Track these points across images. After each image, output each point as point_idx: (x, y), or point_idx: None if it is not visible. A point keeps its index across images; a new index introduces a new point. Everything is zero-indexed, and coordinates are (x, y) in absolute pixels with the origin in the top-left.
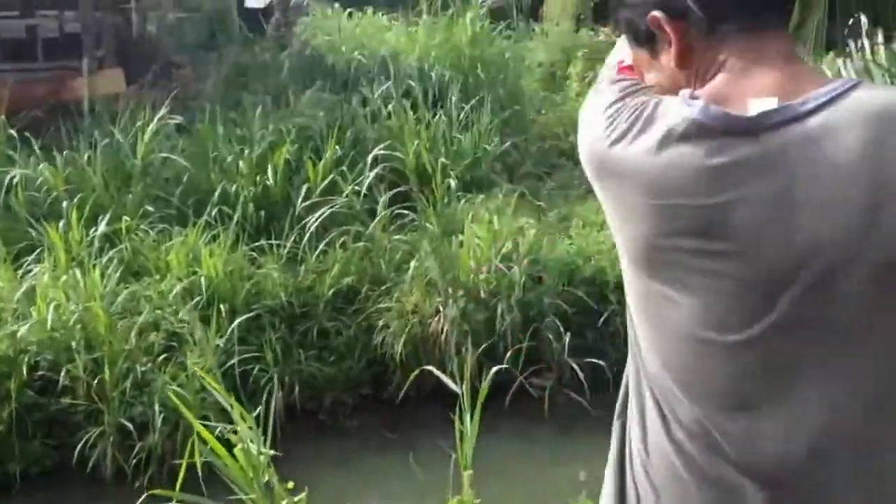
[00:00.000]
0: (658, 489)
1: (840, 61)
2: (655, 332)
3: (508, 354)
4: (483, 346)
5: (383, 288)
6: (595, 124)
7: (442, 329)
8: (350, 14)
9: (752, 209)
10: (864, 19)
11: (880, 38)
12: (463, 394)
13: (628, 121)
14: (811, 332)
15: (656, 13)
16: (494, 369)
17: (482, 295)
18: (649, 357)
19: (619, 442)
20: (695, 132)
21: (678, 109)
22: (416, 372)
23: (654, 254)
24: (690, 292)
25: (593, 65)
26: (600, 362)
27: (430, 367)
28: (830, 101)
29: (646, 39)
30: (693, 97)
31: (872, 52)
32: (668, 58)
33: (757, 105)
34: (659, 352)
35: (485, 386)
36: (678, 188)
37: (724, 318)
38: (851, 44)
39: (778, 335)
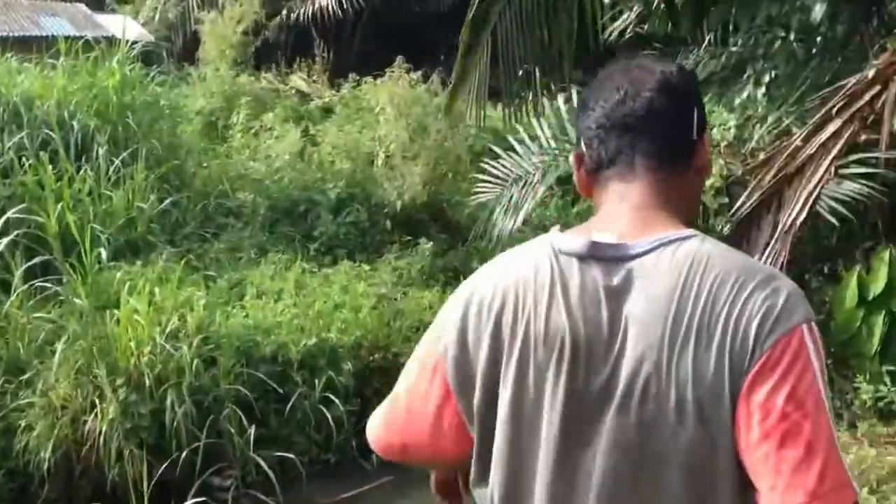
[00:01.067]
0: None
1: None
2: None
3: (184, 454)
4: (153, 447)
5: (23, 378)
6: None
7: (100, 429)
8: None
9: (585, 329)
10: (536, 71)
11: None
12: None
13: None
14: (625, 451)
15: (575, 150)
16: None
17: (147, 382)
18: None
19: None
20: (555, 254)
21: (547, 238)
22: None
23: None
24: (544, 401)
25: (258, 113)
26: (289, 455)
27: None
28: (654, 249)
29: None
30: (560, 231)
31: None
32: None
33: (597, 237)
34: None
35: None
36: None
37: (561, 428)
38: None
39: (601, 451)
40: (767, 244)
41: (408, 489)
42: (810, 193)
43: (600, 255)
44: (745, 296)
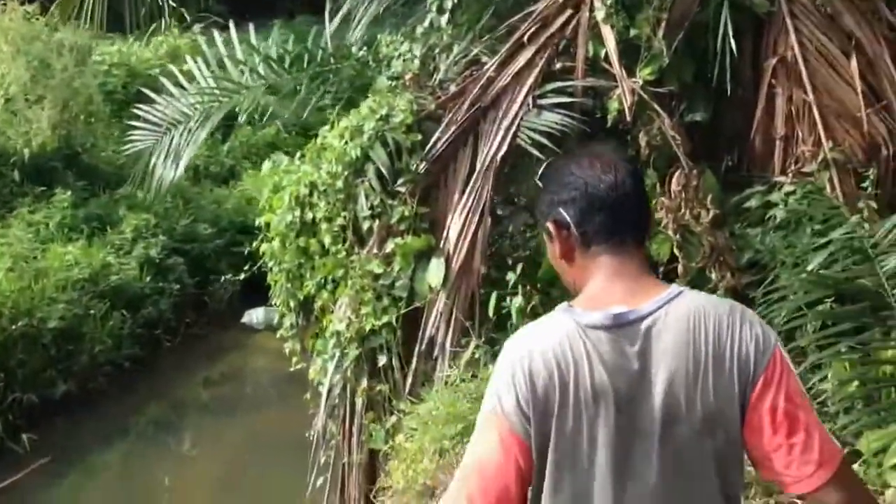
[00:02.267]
0: None
1: None
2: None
3: None
4: None
5: None
6: None
7: None
8: None
9: (624, 383)
10: None
11: None
12: None
13: None
14: (666, 463)
15: (549, 224)
16: None
17: None
18: None
19: None
20: (582, 329)
21: (564, 314)
22: None
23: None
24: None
25: None
26: None
27: None
28: (660, 308)
29: (548, 234)
30: (570, 306)
31: None
32: (555, 250)
33: (615, 309)
34: None
35: None
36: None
37: (614, 462)
38: None
39: (654, 466)
40: (468, 181)
41: (66, 471)
42: (509, 126)
43: (621, 323)
44: (737, 331)
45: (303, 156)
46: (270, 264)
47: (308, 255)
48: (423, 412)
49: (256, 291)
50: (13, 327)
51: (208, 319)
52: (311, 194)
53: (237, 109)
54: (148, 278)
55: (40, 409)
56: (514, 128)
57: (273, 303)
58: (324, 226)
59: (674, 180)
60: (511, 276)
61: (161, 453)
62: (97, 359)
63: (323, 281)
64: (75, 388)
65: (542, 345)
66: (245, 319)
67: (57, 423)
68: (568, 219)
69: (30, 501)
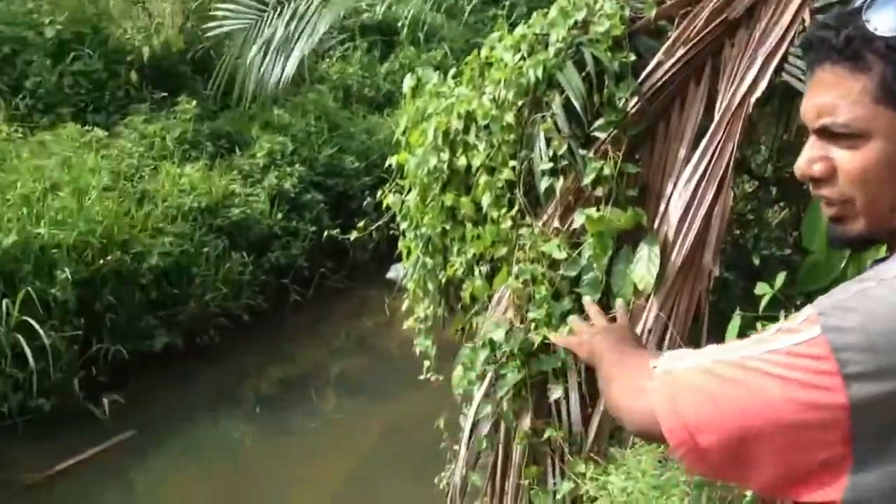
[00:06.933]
0: None
1: None
2: None
3: None
4: None
5: None
6: None
7: None
8: None
9: None
10: None
11: None
12: None
13: None
14: None
15: None
16: None
17: None
18: None
19: None
20: None
21: None
22: None
23: None
24: None
25: None
26: None
27: None
28: None
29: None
30: None
31: None
32: None
33: None
34: None
35: None
36: None
37: None
38: None
39: None
40: (701, 132)
41: (148, 450)
42: (770, 53)
43: None
44: None
45: (459, 74)
46: (403, 226)
47: (457, 220)
48: (615, 489)
49: None
50: (102, 261)
51: (348, 272)
52: (466, 130)
53: (399, 24)
54: (279, 215)
55: (131, 366)
56: (777, 57)
57: (404, 282)
58: (483, 178)
59: None
60: (762, 288)
61: (273, 437)
62: (208, 308)
63: (476, 260)
64: (178, 341)
65: None
66: (391, 274)
67: (150, 385)
68: None
69: (93, 491)
